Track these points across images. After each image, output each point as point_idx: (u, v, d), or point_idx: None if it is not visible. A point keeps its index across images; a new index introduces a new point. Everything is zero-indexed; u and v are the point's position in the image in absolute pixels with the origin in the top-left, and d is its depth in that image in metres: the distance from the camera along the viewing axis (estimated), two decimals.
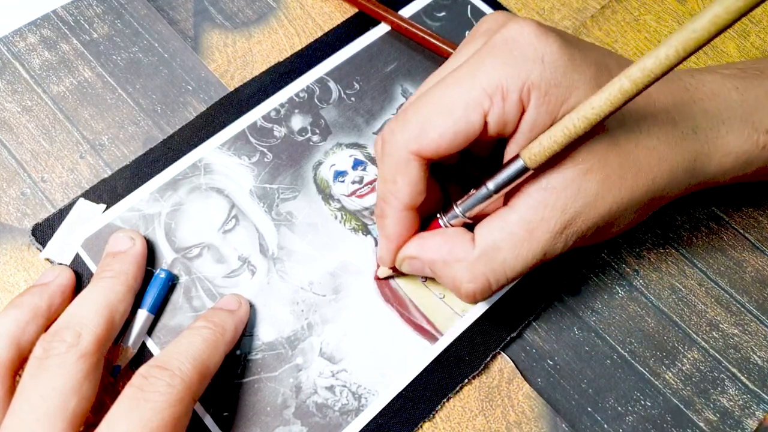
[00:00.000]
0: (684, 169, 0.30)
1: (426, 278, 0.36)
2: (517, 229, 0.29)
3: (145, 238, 0.35)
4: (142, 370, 0.28)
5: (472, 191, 0.30)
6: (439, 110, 0.28)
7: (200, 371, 0.29)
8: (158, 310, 0.34)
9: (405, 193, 0.30)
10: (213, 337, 0.31)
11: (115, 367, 0.32)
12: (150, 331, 0.34)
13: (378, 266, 0.36)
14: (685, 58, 0.23)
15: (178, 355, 0.29)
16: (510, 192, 0.30)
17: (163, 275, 0.34)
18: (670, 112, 0.30)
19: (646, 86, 0.24)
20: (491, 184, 0.29)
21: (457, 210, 0.31)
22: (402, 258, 0.32)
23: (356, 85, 0.41)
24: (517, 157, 0.28)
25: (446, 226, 0.32)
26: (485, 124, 0.28)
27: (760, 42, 0.44)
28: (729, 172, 0.32)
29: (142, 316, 0.33)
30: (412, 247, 0.32)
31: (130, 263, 0.33)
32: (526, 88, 0.27)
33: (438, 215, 0.32)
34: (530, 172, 0.28)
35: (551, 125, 0.27)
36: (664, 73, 0.23)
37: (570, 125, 0.26)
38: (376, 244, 0.36)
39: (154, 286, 0.34)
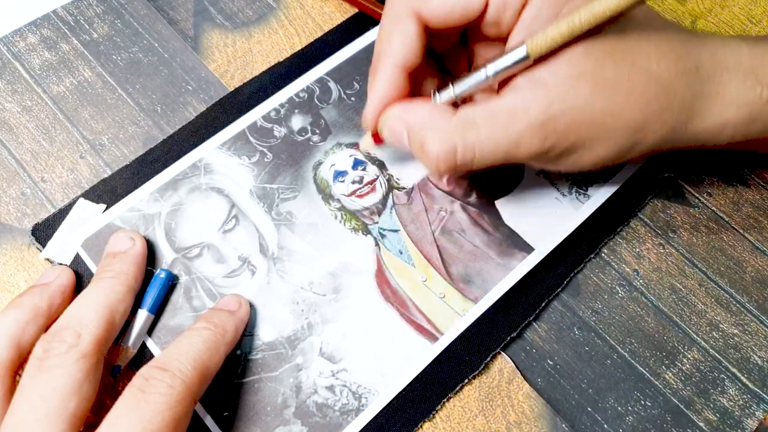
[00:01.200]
0: (681, 105, 0.30)
1: (426, 278, 0.36)
2: (498, 111, 0.29)
3: (145, 238, 0.35)
4: (143, 371, 0.28)
5: (470, 72, 0.31)
6: None
7: (201, 372, 0.29)
8: (158, 310, 0.34)
9: (399, 50, 0.31)
10: (213, 338, 0.31)
11: (115, 367, 0.32)
12: (150, 331, 0.34)
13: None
14: None
15: (179, 356, 0.29)
16: (502, 82, 0.31)
17: (163, 275, 0.34)
18: (674, 45, 0.30)
19: None
20: (490, 68, 0.30)
21: (452, 89, 0.32)
22: (384, 118, 0.32)
23: (356, 85, 0.41)
24: (521, 44, 0.29)
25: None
26: (486, 3, 0.29)
27: None
28: (730, 125, 0.31)
29: (142, 316, 0.33)
30: (396, 108, 0.32)
31: (130, 263, 0.33)
32: None
33: (432, 92, 0.33)
34: (530, 62, 0.29)
35: (552, 20, 0.29)
36: None
37: (576, 19, 0.27)
38: (376, 244, 0.36)
39: (154, 286, 0.34)
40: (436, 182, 0.38)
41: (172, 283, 0.35)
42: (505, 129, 0.29)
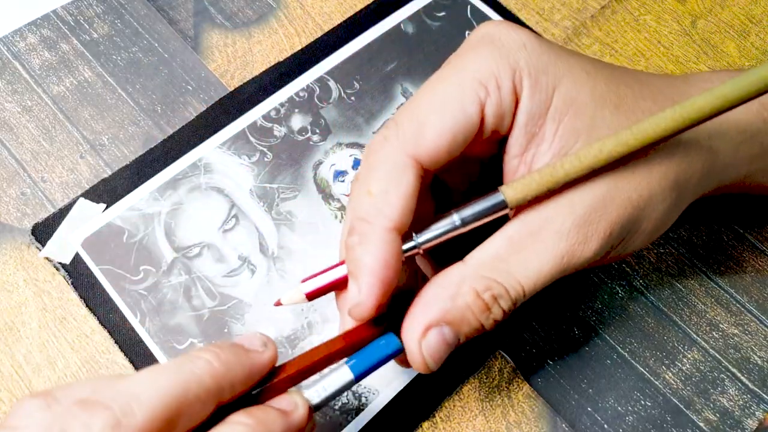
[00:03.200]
0: (698, 147, 0.28)
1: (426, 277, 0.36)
2: (515, 233, 0.26)
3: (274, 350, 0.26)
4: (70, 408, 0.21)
5: (436, 220, 0.26)
6: (433, 108, 0.26)
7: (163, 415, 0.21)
8: (157, 311, 0.34)
9: (396, 209, 0.25)
10: (204, 376, 0.22)
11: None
12: (150, 331, 0.34)
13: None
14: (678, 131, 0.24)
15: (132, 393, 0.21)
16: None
17: (392, 346, 0.27)
18: (665, 93, 0.29)
19: (648, 144, 0.24)
20: (457, 217, 0.26)
21: (414, 239, 0.26)
22: (416, 347, 0.26)
23: (356, 85, 0.41)
24: (496, 191, 0.26)
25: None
26: (482, 118, 0.26)
27: (760, 42, 0.44)
28: (746, 155, 0.30)
29: (344, 373, 0.26)
30: (410, 324, 0.26)
31: (242, 364, 0.24)
32: (518, 75, 0.26)
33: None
34: (509, 211, 0.26)
35: (545, 117, 0.26)
36: (665, 138, 0.24)
37: (560, 169, 0.25)
38: None
39: (375, 350, 0.27)
40: None
41: (395, 354, 0.27)
42: (536, 249, 0.26)
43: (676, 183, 0.28)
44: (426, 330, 0.25)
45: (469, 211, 0.26)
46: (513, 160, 0.27)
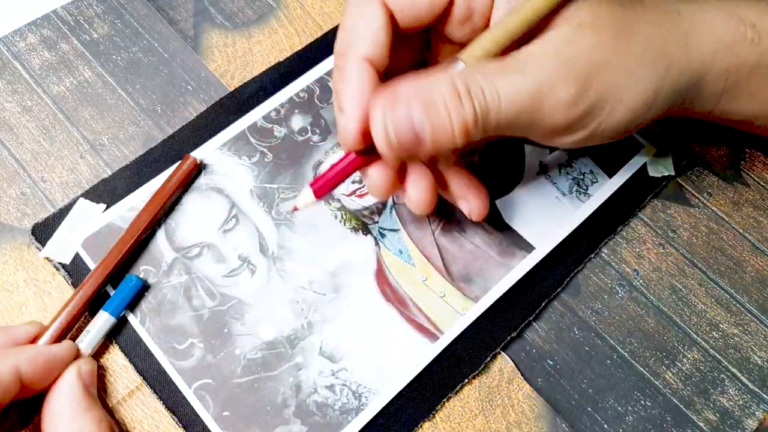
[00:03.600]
0: (676, 42, 0.29)
1: (426, 277, 0.36)
2: (505, 61, 0.27)
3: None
4: None
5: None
6: None
7: None
8: (158, 311, 0.34)
9: (364, 40, 0.27)
10: None
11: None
12: (151, 331, 0.34)
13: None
14: None
15: None
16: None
17: (132, 282, 0.34)
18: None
19: None
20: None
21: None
22: (379, 110, 0.26)
23: None
24: (456, 59, 0.27)
25: None
26: None
27: None
28: (722, 65, 0.30)
29: (102, 318, 0.33)
30: (386, 92, 0.26)
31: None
32: None
33: None
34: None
35: None
36: None
37: (509, 24, 0.27)
38: (376, 244, 0.36)
39: (121, 289, 0.34)
40: None
41: (141, 288, 0.34)
42: (521, 74, 0.26)
43: (655, 63, 0.29)
44: (394, 103, 0.26)
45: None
46: (499, 14, 0.29)
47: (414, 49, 0.31)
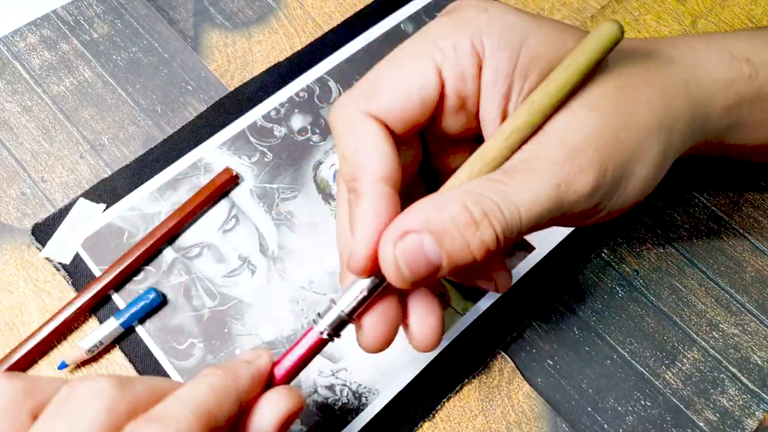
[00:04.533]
0: (677, 93, 0.28)
1: None
2: (509, 165, 0.25)
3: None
4: (130, 426, 0.22)
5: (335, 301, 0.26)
6: (390, 66, 0.26)
7: (205, 421, 0.23)
8: (158, 309, 0.34)
9: (374, 161, 0.25)
10: (222, 382, 0.24)
11: (62, 363, 0.33)
12: (151, 331, 0.34)
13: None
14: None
15: (176, 404, 0.23)
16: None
17: (152, 295, 0.34)
18: (637, 51, 0.29)
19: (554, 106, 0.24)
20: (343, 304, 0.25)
21: (333, 313, 0.25)
22: (389, 240, 0.24)
23: None
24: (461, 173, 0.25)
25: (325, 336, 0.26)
26: (442, 83, 0.25)
27: None
28: (724, 104, 0.30)
29: (111, 325, 0.33)
30: (398, 221, 0.24)
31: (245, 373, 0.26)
32: (477, 37, 0.25)
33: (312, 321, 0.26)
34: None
35: (513, 75, 0.25)
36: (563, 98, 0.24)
37: (510, 134, 0.25)
38: None
39: (137, 302, 0.34)
40: None
41: (158, 303, 0.34)
42: (531, 176, 0.24)
43: (661, 126, 0.27)
44: (404, 234, 0.24)
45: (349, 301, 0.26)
46: (489, 126, 0.26)
47: (413, 155, 0.29)
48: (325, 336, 0.26)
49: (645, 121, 0.27)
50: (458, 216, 0.24)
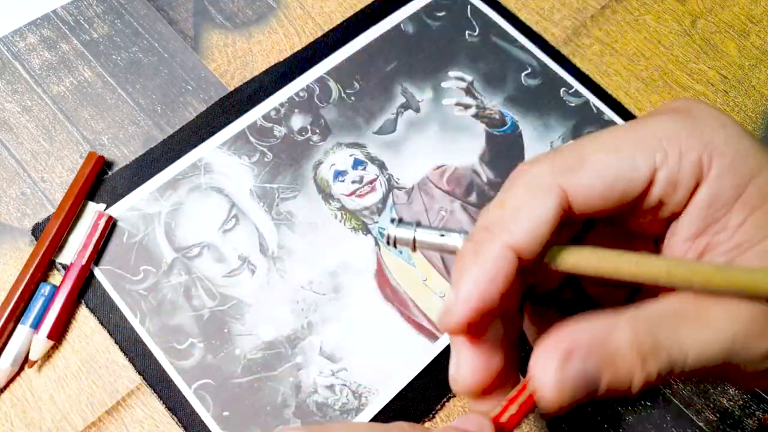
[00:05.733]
0: None
1: (426, 277, 0.36)
2: (680, 305, 0.23)
3: None
4: None
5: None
6: (602, 147, 0.23)
7: None
8: (157, 311, 0.34)
9: (524, 227, 0.22)
10: None
11: None
12: (151, 331, 0.34)
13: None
14: None
15: None
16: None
17: (46, 290, 0.34)
18: None
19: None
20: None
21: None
22: (566, 353, 0.22)
23: (356, 85, 0.41)
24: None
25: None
26: (651, 181, 0.23)
27: (760, 42, 0.44)
28: None
29: (24, 333, 0.33)
30: (558, 338, 0.22)
31: None
32: (708, 152, 0.23)
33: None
34: None
35: (732, 205, 0.23)
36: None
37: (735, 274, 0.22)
38: (376, 244, 0.36)
39: (37, 300, 0.34)
40: (436, 181, 0.38)
41: (53, 295, 0.34)
42: (705, 325, 0.22)
43: None
44: (568, 356, 0.22)
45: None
46: (682, 243, 0.24)
47: (563, 234, 0.26)
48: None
49: None
50: (626, 347, 0.22)
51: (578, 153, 0.23)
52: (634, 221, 0.25)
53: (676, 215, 0.24)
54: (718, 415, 0.34)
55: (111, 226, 0.36)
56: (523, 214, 0.23)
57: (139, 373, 0.33)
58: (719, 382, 0.26)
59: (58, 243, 0.35)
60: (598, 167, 0.23)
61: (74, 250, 0.35)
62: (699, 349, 0.22)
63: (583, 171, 0.23)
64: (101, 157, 0.37)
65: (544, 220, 0.22)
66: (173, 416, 0.32)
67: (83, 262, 0.34)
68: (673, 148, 0.23)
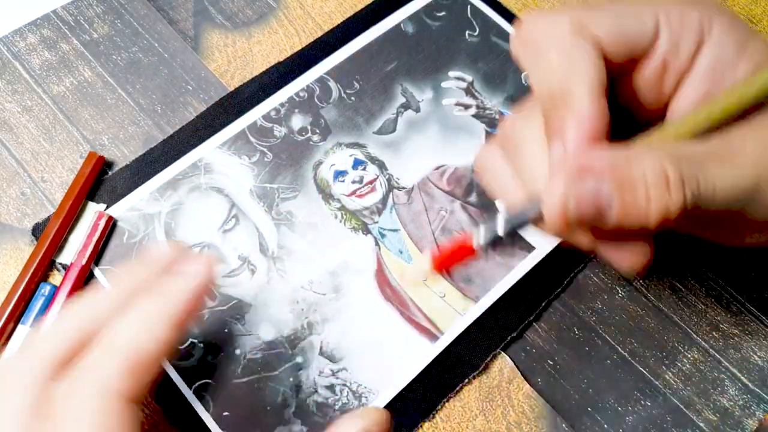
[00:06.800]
0: None
1: (426, 277, 0.36)
2: (715, 147, 0.23)
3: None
4: (49, 385, 0.23)
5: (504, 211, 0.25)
6: (612, 11, 0.24)
7: (134, 367, 0.24)
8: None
9: (591, 72, 0.23)
10: (156, 310, 0.25)
11: None
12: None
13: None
14: None
15: (105, 354, 0.24)
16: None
17: (46, 290, 0.34)
18: None
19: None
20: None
21: (501, 220, 0.25)
22: (575, 169, 0.22)
23: (356, 85, 0.41)
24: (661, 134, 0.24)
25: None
26: (656, 36, 0.24)
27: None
28: None
29: (23, 333, 0.33)
30: (587, 155, 0.22)
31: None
32: (707, 16, 0.24)
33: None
34: None
35: (738, 64, 0.23)
36: None
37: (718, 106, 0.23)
38: (377, 244, 0.36)
39: (37, 300, 0.34)
40: (436, 181, 0.38)
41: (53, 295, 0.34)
42: (741, 165, 0.23)
43: None
44: (584, 171, 0.22)
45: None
46: (683, 106, 0.25)
47: None
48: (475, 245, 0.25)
49: None
50: (652, 172, 0.22)
51: (589, 6, 0.24)
52: (641, 94, 0.25)
53: (681, 80, 0.24)
54: (718, 415, 0.34)
55: (111, 226, 0.36)
56: (577, 64, 0.23)
57: None
58: (723, 240, 0.26)
59: (59, 243, 0.35)
60: (605, 19, 0.24)
61: (74, 250, 0.35)
62: (728, 184, 0.23)
63: (599, 17, 0.23)
64: (101, 157, 0.37)
65: (595, 57, 0.23)
66: (173, 416, 0.32)
67: (83, 262, 0.34)
68: (674, 11, 0.24)
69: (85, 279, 0.34)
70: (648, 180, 0.21)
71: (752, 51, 0.24)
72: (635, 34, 0.24)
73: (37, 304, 0.33)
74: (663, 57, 0.24)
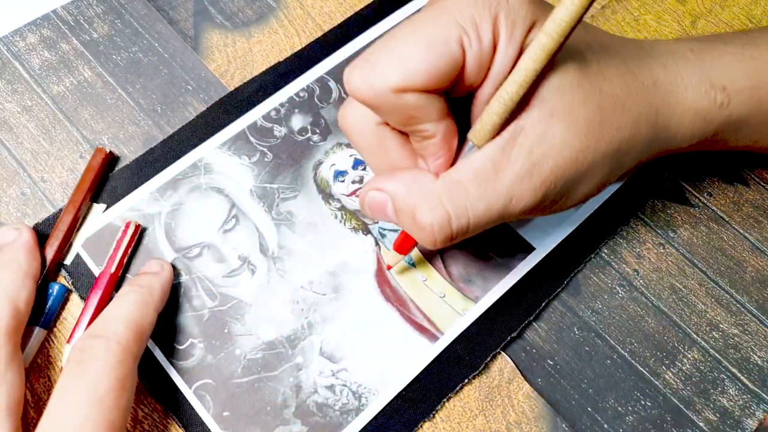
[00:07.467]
0: (647, 122, 0.30)
1: (426, 277, 0.36)
2: (482, 166, 0.27)
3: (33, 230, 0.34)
4: (78, 343, 0.29)
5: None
6: (418, 42, 0.26)
7: (135, 331, 0.30)
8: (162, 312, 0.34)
9: (434, 110, 0.27)
10: (141, 298, 0.32)
11: None
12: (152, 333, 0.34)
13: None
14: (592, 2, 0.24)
15: (110, 320, 0.30)
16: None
17: (55, 290, 0.34)
18: (629, 65, 0.30)
19: (565, 36, 0.24)
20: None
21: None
22: (365, 190, 0.30)
23: None
24: (466, 141, 0.28)
25: None
26: (463, 64, 0.27)
27: None
28: (689, 130, 0.32)
29: (33, 332, 0.33)
30: (376, 178, 0.29)
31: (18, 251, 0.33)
32: (494, 22, 0.26)
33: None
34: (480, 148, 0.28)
35: (518, 58, 0.26)
36: (578, 20, 0.24)
37: (504, 95, 0.26)
38: (377, 244, 0.36)
39: (48, 301, 0.34)
40: None
41: (65, 296, 0.34)
42: (494, 185, 0.27)
43: (618, 151, 0.29)
44: (375, 189, 0.29)
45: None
46: (487, 90, 0.28)
47: None
48: None
49: (605, 148, 0.29)
50: (413, 209, 0.28)
51: (398, 55, 0.26)
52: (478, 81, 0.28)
53: (479, 85, 0.28)
54: (718, 415, 0.34)
55: (128, 230, 0.35)
56: (422, 109, 0.27)
57: (139, 373, 0.33)
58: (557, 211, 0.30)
59: (69, 240, 0.35)
60: (422, 65, 0.26)
61: (76, 249, 0.35)
62: (482, 212, 0.28)
63: (410, 70, 0.26)
64: (109, 153, 0.37)
65: (432, 102, 0.27)
66: (173, 416, 0.32)
67: (112, 269, 0.34)
68: (472, 30, 0.26)
69: (114, 287, 0.34)
70: (414, 216, 0.28)
71: (518, 34, 0.27)
72: (450, 68, 0.26)
73: (47, 303, 0.33)
74: (473, 73, 0.27)
